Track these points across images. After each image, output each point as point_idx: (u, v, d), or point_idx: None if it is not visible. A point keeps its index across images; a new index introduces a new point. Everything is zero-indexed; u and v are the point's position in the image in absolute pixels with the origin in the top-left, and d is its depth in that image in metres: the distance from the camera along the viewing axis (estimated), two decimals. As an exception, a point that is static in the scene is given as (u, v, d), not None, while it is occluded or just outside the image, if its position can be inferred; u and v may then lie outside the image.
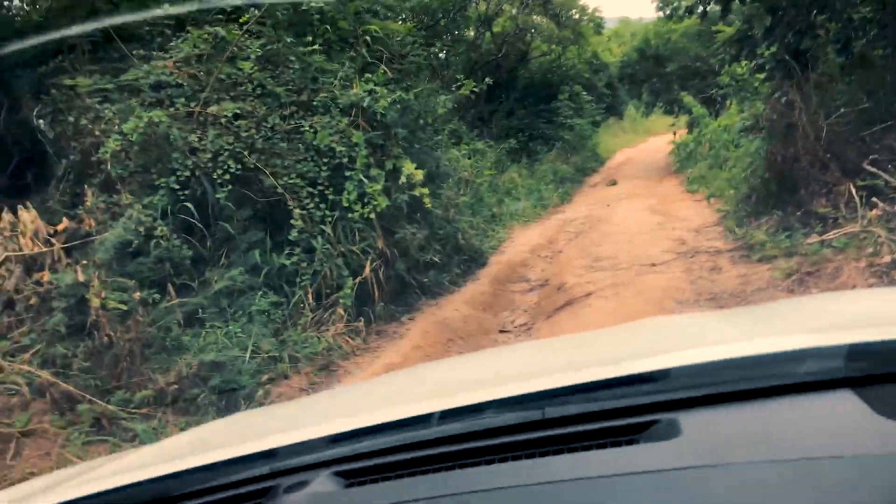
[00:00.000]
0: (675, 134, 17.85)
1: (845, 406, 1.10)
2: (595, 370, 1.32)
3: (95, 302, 4.48)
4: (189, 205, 6.04)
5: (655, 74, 19.94)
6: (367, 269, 6.59)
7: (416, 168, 7.35)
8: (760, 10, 9.32)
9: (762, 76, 10.84)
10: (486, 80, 11.11)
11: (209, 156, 6.21)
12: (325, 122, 6.63)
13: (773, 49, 10.09)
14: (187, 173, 6.14)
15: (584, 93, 24.74)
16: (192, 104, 6.54)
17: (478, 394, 1.33)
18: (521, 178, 16.75)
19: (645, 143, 28.46)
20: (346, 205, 6.42)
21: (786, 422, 1.11)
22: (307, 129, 6.66)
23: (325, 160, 6.57)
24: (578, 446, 1.13)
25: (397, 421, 1.31)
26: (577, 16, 20.95)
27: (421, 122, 8.05)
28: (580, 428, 1.17)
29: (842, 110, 8.39)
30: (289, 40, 7.12)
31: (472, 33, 20.36)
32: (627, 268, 8.87)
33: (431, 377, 2.20)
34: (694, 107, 16.32)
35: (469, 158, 15.29)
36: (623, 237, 11.09)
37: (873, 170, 7.97)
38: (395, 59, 9.01)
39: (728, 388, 1.17)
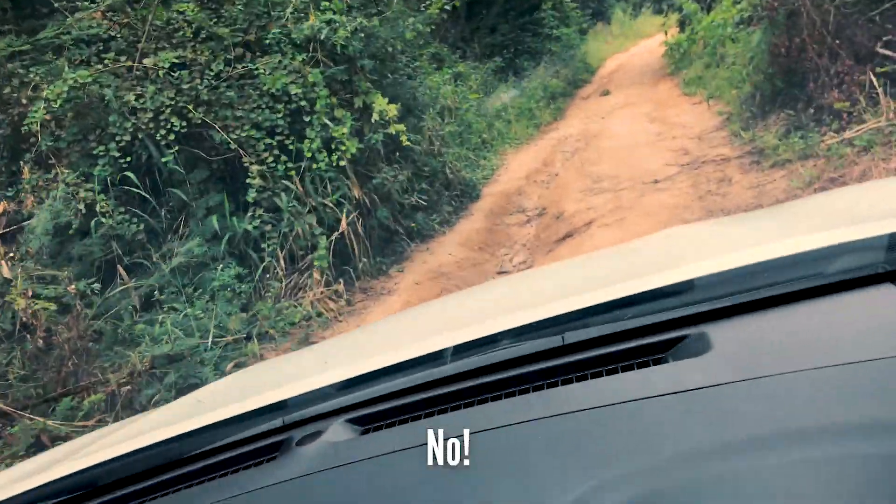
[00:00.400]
0: (666, 34, 16.68)
1: (888, 301, 1.03)
2: (614, 288, 1.23)
3: (21, 303, 3.81)
4: (132, 174, 5.29)
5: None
6: (344, 223, 5.89)
7: (388, 103, 6.54)
8: None
9: None
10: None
11: (150, 115, 5.43)
12: (276, 61, 5.78)
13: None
14: (127, 137, 5.38)
15: (568, 0, 23.41)
16: (125, 58, 5.71)
17: (491, 324, 1.27)
18: (510, 98, 15.78)
19: (636, 47, 27.09)
20: (308, 154, 5.66)
21: (824, 325, 1.05)
22: (260, 71, 5.83)
23: (282, 106, 5.76)
24: (603, 370, 1.08)
25: (408, 360, 1.26)
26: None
27: (390, 49, 7.16)
28: (604, 351, 1.12)
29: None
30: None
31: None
32: (629, 187, 8.13)
33: (440, 313, 2.09)
34: (685, 2, 15.14)
35: (453, 84, 14.36)
36: (622, 152, 10.30)
37: (889, 53, 7.11)
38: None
39: (759, 294, 1.11)
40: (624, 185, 8.34)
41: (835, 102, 7.28)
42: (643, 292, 1.17)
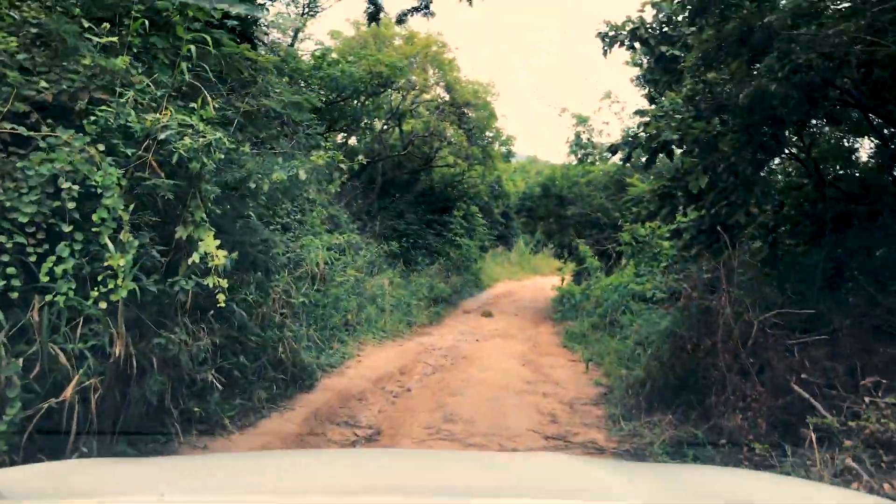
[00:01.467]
0: (562, 280, 16.05)
1: None
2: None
3: None
4: None
5: (554, 214, 18.48)
6: (70, 389, 3.78)
7: (218, 248, 4.72)
8: (697, 168, 7.59)
9: (678, 242, 9.08)
10: (359, 158, 8.60)
11: None
12: (67, 137, 3.94)
13: (699, 215, 8.39)
14: None
15: (480, 215, 23.16)
16: None
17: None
18: (392, 287, 14.33)
19: (529, 281, 26.99)
20: (45, 278, 3.68)
21: None
22: (43, 144, 3.95)
23: (50, 198, 3.84)
24: None
25: None
26: (489, 137, 19.43)
27: (253, 186, 5.48)
28: None
29: (773, 311, 6.50)
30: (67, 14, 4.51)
31: (379, 124, 18.34)
32: (483, 443, 6.42)
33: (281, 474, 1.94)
34: (588, 257, 14.69)
35: (335, 252, 12.81)
36: (486, 389, 8.74)
37: (804, 393, 6.04)
38: (261, 115, 6.56)
39: None
40: (477, 436, 6.63)
41: (734, 424, 6.04)
42: None
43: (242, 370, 6.20)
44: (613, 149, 9.25)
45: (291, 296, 7.51)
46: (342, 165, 5.67)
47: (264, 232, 6.07)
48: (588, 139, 18.45)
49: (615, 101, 17.68)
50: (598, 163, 18.12)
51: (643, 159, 9.10)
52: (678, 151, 8.57)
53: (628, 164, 12.19)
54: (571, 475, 1.89)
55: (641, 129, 8.99)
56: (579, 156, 18.69)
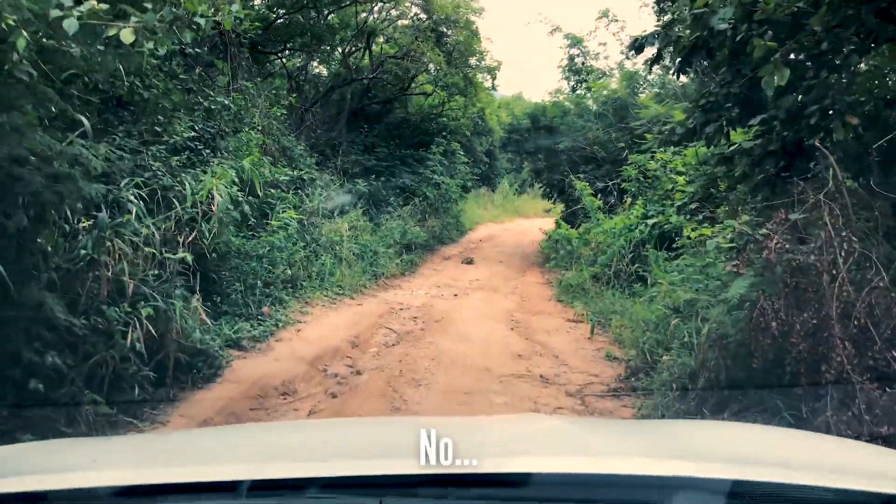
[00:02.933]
0: (558, 224, 13.22)
1: None
2: (448, 465, 1.11)
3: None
4: None
5: (544, 149, 15.69)
6: None
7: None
8: (776, 58, 4.87)
9: (724, 171, 6.46)
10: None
11: None
12: None
13: (765, 130, 5.71)
14: None
15: (462, 152, 20.31)
16: None
17: (300, 467, 1.16)
18: (356, 232, 11.64)
19: (512, 223, 24.33)
20: None
21: None
22: None
23: None
24: None
25: (194, 483, 1.10)
26: (472, 61, 16.43)
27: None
28: None
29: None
30: None
31: (343, 46, 15.26)
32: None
33: (245, 440, 1.78)
34: (586, 194, 11.99)
35: (293, 191, 10.09)
36: (462, 373, 6.18)
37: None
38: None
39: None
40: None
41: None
42: (473, 474, 1.10)
43: (58, 372, 3.55)
44: (638, 44, 6.49)
45: (176, 249, 4.82)
46: (199, 20, 2.90)
47: (41, 138, 3.27)
48: (583, 63, 15.56)
49: (613, 19, 14.73)
50: (593, 90, 15.27)
51: (678, 60, 6.39)
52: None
53: (654, 72, 9.43)
54: (566, 435, 1.77)
55: (683, 12, 6.25)
56: (572, 82, 15.82)
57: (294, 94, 14.70)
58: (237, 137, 8.07)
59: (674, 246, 8.28)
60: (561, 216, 18.10)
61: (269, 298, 7.56)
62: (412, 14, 15.51)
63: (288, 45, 13.46)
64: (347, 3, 13.96)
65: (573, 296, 10.26)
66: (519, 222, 24.69)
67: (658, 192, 10.50)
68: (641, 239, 9.81)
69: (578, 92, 16.03)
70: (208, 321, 5.08)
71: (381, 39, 15.95)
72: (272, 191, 9.43)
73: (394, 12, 15.54)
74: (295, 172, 10.36)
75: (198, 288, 5.06)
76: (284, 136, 12.03)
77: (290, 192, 10.27)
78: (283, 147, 11.81)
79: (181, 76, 6.94)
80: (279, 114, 10.63)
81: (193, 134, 5.78)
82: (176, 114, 5.76)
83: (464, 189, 20.27)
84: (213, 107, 7.11)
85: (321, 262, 9.60)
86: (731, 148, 6.00)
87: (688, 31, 6.21)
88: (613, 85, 14.78)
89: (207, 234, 5.02)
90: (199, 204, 4.87)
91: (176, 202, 4.89)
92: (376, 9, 15.16)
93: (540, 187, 19.77)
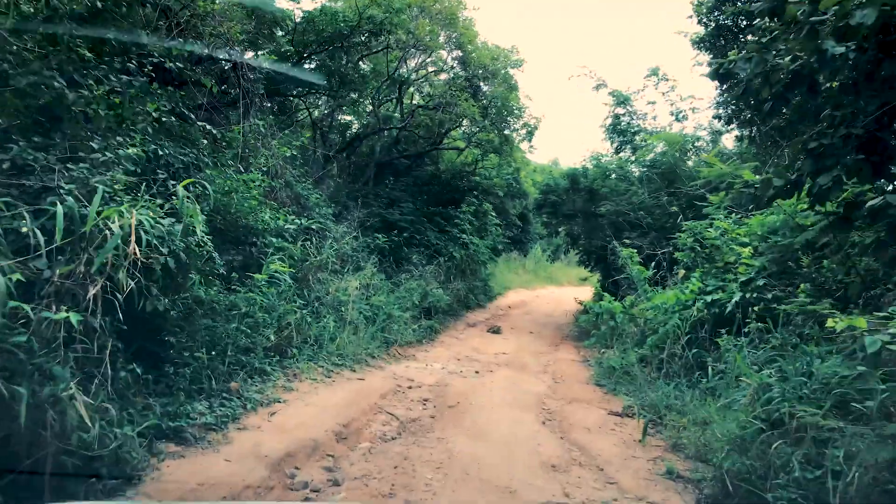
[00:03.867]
0: (598, 295, 11.38)
1: None
2: None
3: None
4: None
5: (582, 212, 14.10)
6: None
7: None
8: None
9: (882, 254, 4.76)
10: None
11: None
12: None
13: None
14: None
15: (493, 213, 18.85)
16: None
17: None
18: (371, 290, 10.08)
19: (544, 290, 22.58)
20: None
21: None
22: None
23: None
24: None
25: None
26: (510, 117, 15.09)
27: None
28: None
29: None
30: None
31: (373, 94, 14.06)
32: None
33: None
34: (633, 263, 10.29)
35: (295, 240, 8.67)
36: (479, 482, 4.46)
37: None
38: None
39: None
40: None
41: None
42: None
43: None
44: (724, 70, 4.97)
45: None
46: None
47: None
48: (628, 123, 14.11)
49: (664, 77, 13.33)
50: (638, 153, 13.76)
51: (769, 96, 4.85)
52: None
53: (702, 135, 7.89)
54: None
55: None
56: (616, 143, 14.33)
57: (314, 140, 13.49)
58: (227, 173, 6.66)
59: (745, 330, 6.53)
60: (599, 286, 16.37)
61: (245, 370, 5.96)
62: (448, 65, 14.34)
63: (312, 88, 12.27)
64: (379, 49, 12.80)
65: (616, 381, 8.46)
66: (551, 290, 22.93)
67: (717, 265, 8.77)
68: (700, 319, 8.04)
69: (623, 154, 14.51)
70: (110, 407, 3.48)
71: (412, 91, 14.78)
72: (273, 239, 7.98)
73: (430, 66, 14.37)
74: (304, 221, 8.90)
75: (108, 359, 3.49)
76: (300, 183, 10.69)
77: (299, 242, 8.82)
78: (297, 195, 10.45)
79: (158, 91, 5.58)
80: (289, 154, 9.27)
81: (141, 155, 4.35)
82: (120, 130, 4.36)
83: (494, 252, 18.71)
84: (186, 133, 5.71)
85: (322, 325, 8.02)
86: (838, 206, 4.34)
87: (788, 60, 4.66)
88: (661, 147, 13.24)
89: (125, 283, 3.49)
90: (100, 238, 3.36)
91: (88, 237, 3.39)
92: (412, 62, 14.02)
93: (576, 253, 18.09)
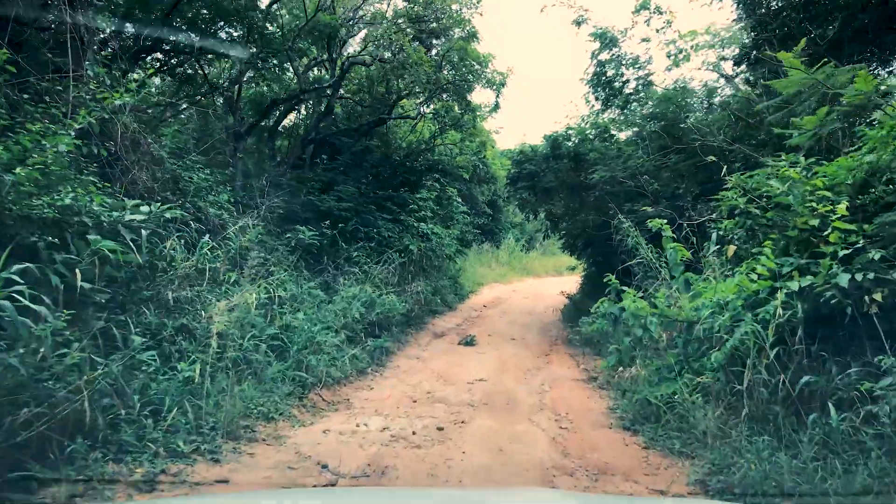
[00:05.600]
0: (613, 290, 7.47)
1: None
2: None
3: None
4: None
5: (567, 185, 10.67)
6: None
7: None
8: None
9: None
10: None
11: None
12: None
13: None
14: None
15: (460, 200, 15.44)
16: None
17: None
18: (284, 307, 6.59)
19: (522, 283, 19.23)
20: None
21: None
22: None
23: None
24: None
25: None
26: (470, 75, 11.59)
27: None
28: None
29: None
30: None
31: (287, 55, 10.46)
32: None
33: None
34: (666, 239, 6.74)
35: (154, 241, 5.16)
36: None
37: None
38: None
39: None
40: None
41: None
42: None
43: None
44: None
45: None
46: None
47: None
48: (616, 72, 10.81)
49: (657, 10, 10.01)
50: (635, 102, 10.45)
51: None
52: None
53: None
54: None
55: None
56: (602, 97, 10.98)
57: (227, 112, 9.92)
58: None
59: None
60: (586, 275, 13.04)
61: None
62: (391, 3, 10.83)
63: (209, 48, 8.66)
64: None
65: (659, 427, 5.09)
66: (529, 282, 19.58)
67: (790, 234, 5.44)
68: (787, 319, 4.72)
69: (610, 114, 11.15)
70: None
71: (346, 49, 11.24)
72: (95, 237, 4.48)
73: (367, 7, 10.87)
74: (155, 208, 5.37)
75: None
76: (182, 161, 7.18)
77: (169, 241, 5.35)
78: (176, 176, 6.93)
79: None
80: (149, 110, 5.80)
81: None
82: None
83: (462, 243, 15.30)
84: None
85: (175, 378, 4.51)
86: None
87: None
88: (660, 89, 9.94)
89: None
90: None
91: None
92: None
93: (559, 238, 14.71)
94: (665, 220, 5.95)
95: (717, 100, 9.90)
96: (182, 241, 5.88)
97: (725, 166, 6.36)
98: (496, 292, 16.78)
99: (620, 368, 6.50)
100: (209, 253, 5.80)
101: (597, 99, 11.15)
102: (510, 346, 9.83)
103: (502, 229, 22.94)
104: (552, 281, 19.05)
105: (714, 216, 6.64)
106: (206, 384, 4.65)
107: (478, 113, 13.32)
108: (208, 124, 10.55)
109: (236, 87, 9.95)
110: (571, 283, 14.45)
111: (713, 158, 6.76)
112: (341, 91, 11.59)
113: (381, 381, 6.98)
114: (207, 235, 6.16)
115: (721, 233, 6.73)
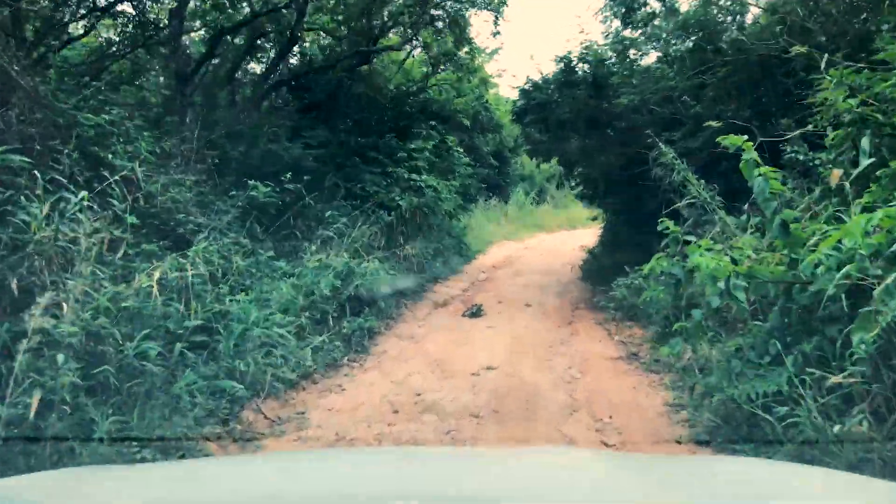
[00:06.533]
0: (675, 242, 5.50)
1: None
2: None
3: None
4: None
5: (584, 118, 8.57)
6: None
7: None
8: None
9: None
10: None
11: None
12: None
13: None
14: None
15: (460, 150, 13.39)
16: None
17: None
18: (227, 280, 4.75)
19: (534, 240, 17.23)
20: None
21: None
22: None
23: None
24: None
25: None
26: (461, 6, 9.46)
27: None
28: None
29: None
30: None
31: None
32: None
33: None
34: (746, 166, 4.77)
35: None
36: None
37: None
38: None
39: None
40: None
41: None
42: None
43: None
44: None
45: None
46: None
47: None
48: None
49: None
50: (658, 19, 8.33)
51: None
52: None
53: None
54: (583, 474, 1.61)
55: None
56: (619, 17, 8.83)
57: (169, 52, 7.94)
58: None
59: None
60: (606, 226, 11.09)
61: None
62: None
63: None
64: None
65: (761, 443, 3.24)
66: (542, 238, 17.59)
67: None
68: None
69: (627, 33, 8.96)
70: None
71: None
72: None
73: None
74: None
75: None
76: (70, 102, 5.26)
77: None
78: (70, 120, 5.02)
79: None
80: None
81: None
82: None
83: (466, 198, 13.32)
84: None
85: None
86: None
87: None
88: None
89: None
90: None
91: None
92: None
93: (575, 185, 12.66)
94: (746, 137, 4.02)
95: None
96: (63, 202, 4.01)
97: (825, 56, 4.32)
98: (506, 251, 14.85)
99: (687, 351, 4.61)
100: (86, 218, 3.90)
101: (615, 16, 8.99)
102: (525, 314, 7.97)
103: (510, 183, 20.86)
104: (565, 235, 17.08)
105: (803, 131, 4.63)
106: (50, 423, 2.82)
107: (475, 45, 11.20)
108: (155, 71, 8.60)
109: (177, 20, 7.92)
110: (588, 236, 12.52)
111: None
112: (311, 23, 9.51)
113: (359, 376, 5.15)
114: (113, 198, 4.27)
115: (809, 156, 4.73)
